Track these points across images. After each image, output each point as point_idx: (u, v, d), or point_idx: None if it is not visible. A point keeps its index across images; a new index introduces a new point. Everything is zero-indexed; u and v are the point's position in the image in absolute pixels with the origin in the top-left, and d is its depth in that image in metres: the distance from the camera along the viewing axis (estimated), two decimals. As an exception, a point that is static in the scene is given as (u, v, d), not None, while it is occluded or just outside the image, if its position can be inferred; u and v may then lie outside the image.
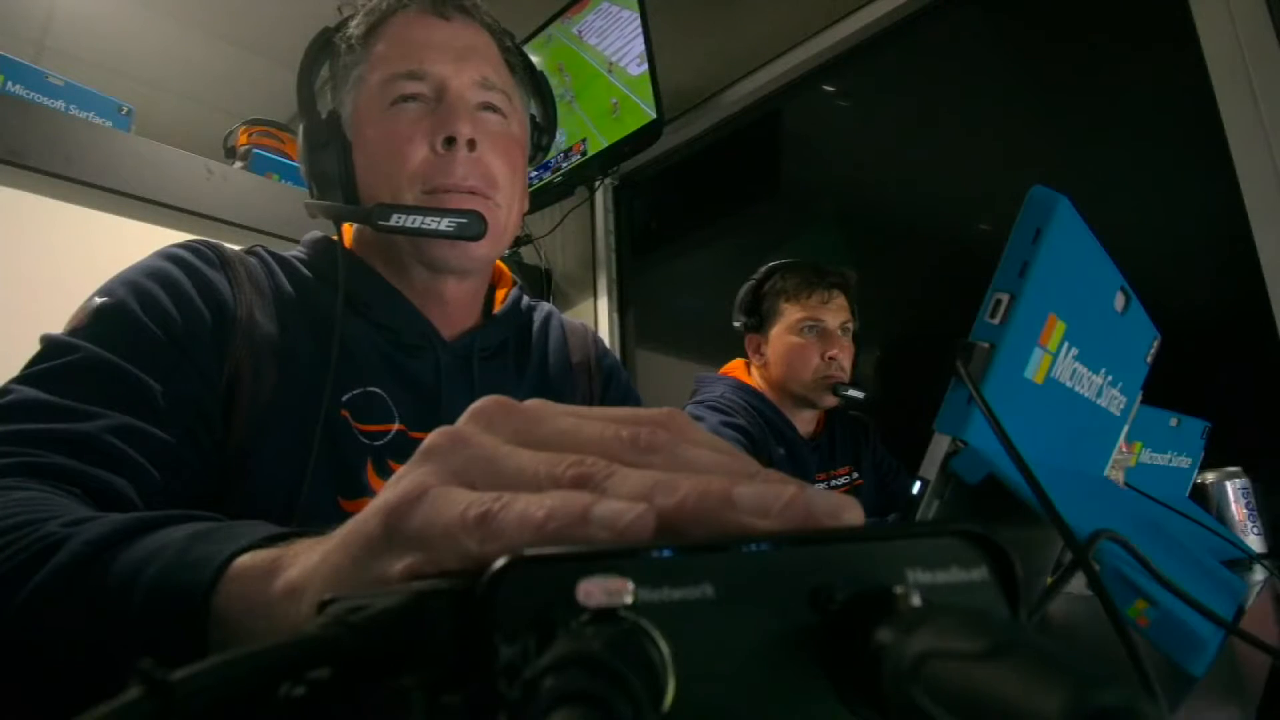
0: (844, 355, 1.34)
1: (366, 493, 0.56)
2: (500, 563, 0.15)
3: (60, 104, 1.44)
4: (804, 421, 1.39)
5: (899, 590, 0.15)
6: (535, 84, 0.74)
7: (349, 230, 0.69)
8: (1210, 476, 1.08)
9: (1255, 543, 1.02)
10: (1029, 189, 0.48)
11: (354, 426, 0.58)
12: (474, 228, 0.60)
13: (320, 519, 0.55)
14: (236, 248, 0.63)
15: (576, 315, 2.18)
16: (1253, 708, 0.42)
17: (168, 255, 0.57)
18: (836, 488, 1.32)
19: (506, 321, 0.72)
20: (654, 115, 1.70)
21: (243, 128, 1.99)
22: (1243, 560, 0.93)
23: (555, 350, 0.76)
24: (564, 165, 1.93)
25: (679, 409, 0.23)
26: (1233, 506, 1.05)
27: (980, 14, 1.57)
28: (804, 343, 1.33)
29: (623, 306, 2.15)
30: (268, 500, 0.53)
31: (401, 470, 0.21)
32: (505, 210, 0.65)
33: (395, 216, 0.58)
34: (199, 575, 0.26)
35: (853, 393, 1.31)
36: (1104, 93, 1.37)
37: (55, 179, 1.34)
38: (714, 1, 1.88)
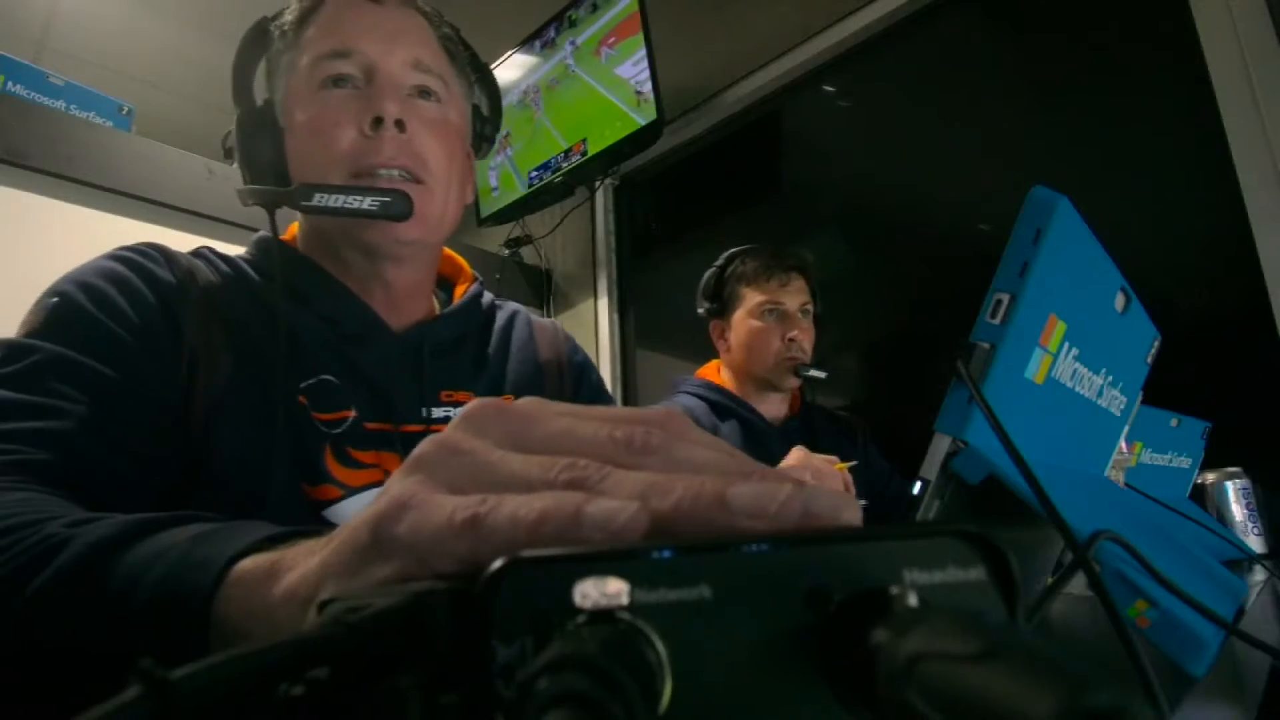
0: (804, 337, 1.34)
1: (326, 479, 0.55)
2: (497, 564, 0.15)
3: (60, 104, 1.44)
4: (772, 405, 1.38)
5: (895, 590, 0.15)
6: (479, 74, 0.73)
7: (295, 225, 0.69)
8: (1210, 476, 1.08)
9: (1255, 543, 1.01)
10: (1029, 189, 0.48)
11: (311, 415, 0.58)
12: (398, 206, 0.58)
13: (286, 505, 0.54)
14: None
15: (576, 315, 2.18)
16: (1253, 708, 0.42)
17: (113, 256, 0.58)
18: None
19: (462, 316, 0.70)
20: (654, 115, 1.70)
21: (243, 128, 1.99)
22: (1243, 560, 0.93)
23: (520, 348, 0.74)
24: (564, 165, 1.93)
25: (677, 409, 0.23)
26: (1233, 506, 1.05)
27: (980, 14, 1.57)
28: (764, 326, 1.34)
29: (623, 306, 2.15)
30: (234, 486, 0.52)
31: (392, 479, 0.21)
32: (441, 196, 0.63)
33: (318, 196, 0.57)
34: (200, 580, 0.26)
35: (814, 373, 1.32)
36: (1104, 93, 1.37)
37: (56, 179, 1.34)
38: (714, 1, 1.88)
